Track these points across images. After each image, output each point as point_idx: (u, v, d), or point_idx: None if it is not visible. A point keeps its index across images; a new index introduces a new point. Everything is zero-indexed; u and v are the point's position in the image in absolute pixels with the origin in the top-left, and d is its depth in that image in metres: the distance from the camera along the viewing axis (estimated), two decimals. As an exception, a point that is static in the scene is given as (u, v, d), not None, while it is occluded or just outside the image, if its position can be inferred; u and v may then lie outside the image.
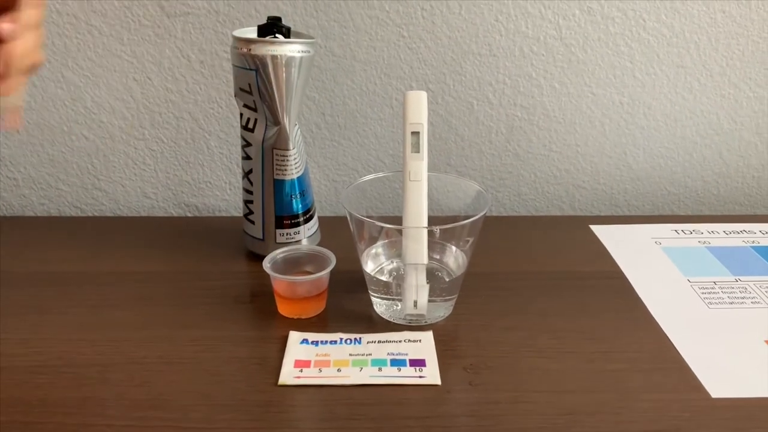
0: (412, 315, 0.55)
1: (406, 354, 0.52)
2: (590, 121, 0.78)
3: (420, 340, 0.53)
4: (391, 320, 0.56)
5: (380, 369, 0.50)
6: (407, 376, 0.49)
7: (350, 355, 0.52)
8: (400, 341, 0.53)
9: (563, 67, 0.75)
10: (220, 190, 0.80)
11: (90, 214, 0.81)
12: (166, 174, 0.79)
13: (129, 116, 0.76)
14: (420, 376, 0.49)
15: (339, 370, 0.50)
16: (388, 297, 0.57)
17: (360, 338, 0.54)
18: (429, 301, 0.55)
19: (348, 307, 0.59)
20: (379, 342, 0.53)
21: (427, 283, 0.54)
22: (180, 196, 0.80)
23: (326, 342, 0.53)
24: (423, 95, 0.54)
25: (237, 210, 0.81)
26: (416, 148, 0.54)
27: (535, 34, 0.74)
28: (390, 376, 0.49)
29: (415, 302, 0.54)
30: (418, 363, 0.51)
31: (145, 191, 0.80)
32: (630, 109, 0.77)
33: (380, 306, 0.58)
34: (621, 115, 0.78)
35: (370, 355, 0.52)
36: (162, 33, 0.73)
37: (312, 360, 0.51)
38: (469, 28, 0.73)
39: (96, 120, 0.76)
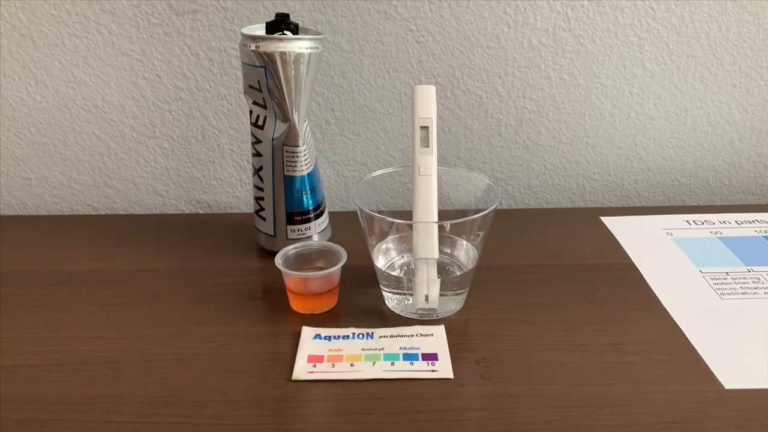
0: (423, 309, 0.55)
1: (419, 348, 0.52)
2: (600, 112, 0.77)
3: (432, 335, 0.53)
4: (403, 314, 0.57)
5: (393, 363, 0.50)
6: (420, 370, 0.49)
7: (363, 349, 0.52)
8: (412, 335, 0.53)
9: (572, 58, 0.75)
10: (231, 187, 0.80)
11: (102, 213, 0.82)
12: (177, 171, 0.80)
13: (139, 114, 0.77)
14: (432, 370, 0.49)
15: (352, 365, 0.50)
16: (400, 291, 0.57)
17: (372, 333, 0.54)
18: (440, 295, 0.55)
19: (359, 302, 0.59)
20: (391, 336, 0.53)
21: (438, 277, 0.54)
22: (191, 193, 0.81)
23: (339, 337, 0.53)
24: (431, 89, 0.54)
25: (248, 206, 0.81)
26: (425, 143, 0.54)
27: (544, 25, 0.73)
28: (403, 370, 0.49)
29: (427, 296, 0.55)
30: (430, 357, 0.51)
31: (157, 189, 0.80)
32: (640, 99, 0.77)
33: (391, 300, 0.58)
34: (631, 106, 0.77)
35: (383, 349, 0.52)
36: (171, 31, 0.73)
37: (325, 355, 0.51)
38: (477, 21, 0.73)
39: (107, 119, 0.77)
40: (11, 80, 0.75)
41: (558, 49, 0.74)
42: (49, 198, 0.81)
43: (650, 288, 0.60)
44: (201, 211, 0.82)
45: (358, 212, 0.55)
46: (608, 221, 0.73)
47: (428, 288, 0.54)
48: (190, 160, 0.79)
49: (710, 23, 0.74)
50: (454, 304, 0.57)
